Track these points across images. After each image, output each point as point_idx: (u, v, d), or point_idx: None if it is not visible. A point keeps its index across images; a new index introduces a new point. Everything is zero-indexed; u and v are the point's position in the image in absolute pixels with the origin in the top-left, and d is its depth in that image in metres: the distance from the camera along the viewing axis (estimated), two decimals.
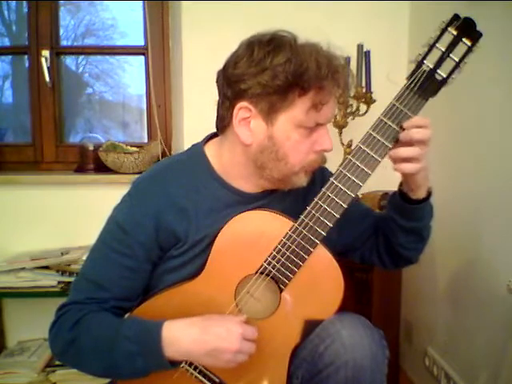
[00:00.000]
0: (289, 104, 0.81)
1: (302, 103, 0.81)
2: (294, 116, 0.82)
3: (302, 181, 0.89)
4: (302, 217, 0.85)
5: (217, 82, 0.89)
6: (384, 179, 1.14)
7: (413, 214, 0.94)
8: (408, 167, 0.83)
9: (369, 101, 1.60)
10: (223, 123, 0.89)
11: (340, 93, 0.86)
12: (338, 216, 0.84)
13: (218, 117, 0.91)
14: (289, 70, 0.79)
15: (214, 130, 0.95)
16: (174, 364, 0.85)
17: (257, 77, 0.80)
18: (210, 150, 0.94)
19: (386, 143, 0.82)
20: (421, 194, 0.91)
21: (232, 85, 0.84)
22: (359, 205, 1.08)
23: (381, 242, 1.04)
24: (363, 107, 1.62)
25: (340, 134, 1.65)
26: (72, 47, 2.10)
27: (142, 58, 1.92)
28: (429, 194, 0.93)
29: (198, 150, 0.95)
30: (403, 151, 0.82)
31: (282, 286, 0.87)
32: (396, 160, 0.84)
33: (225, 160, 0.92)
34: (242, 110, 0.84)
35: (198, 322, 0.84)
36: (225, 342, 0.81)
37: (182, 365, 0.88)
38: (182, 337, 0.83)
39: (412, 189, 0.90)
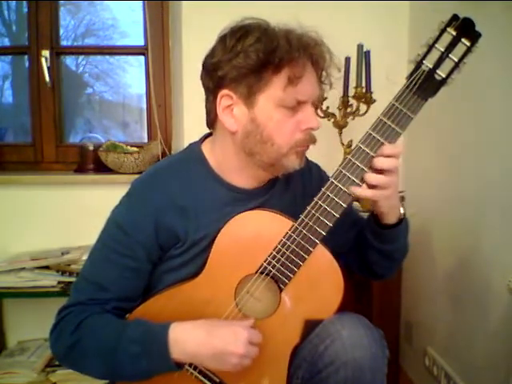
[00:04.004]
0: (265, 83, 0.83)
1: (278, 80, 0.82)
2: (273, 95, 0.83)
3: (294, 163, 0.88)
4: (301, 216, 0.85)
5: (200, 78, 0.91)
6: None
7: (384, 236, 0.94)
8: (366, 192, 0.84)
9: (369, 101, 1.60)
10: (211, 118, 0.91)
11: (320, 70, 0.87)
12: (337, 216, 0.84)
13: (206, 113, 0.93)
14: (259, 48, 0.81)
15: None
16: (180, 366, 0.85)
17: (231, 61, 0.82)
18: (206, 149, 0.95)
19: (386, 143, 0.82)
20: (390, 219, 0.91)
21: (211, 74, 0.86)
22: (352, 212, 1.08)
23: (360, 254, 1.03)
24: (363, 107, 1.62)
25: (340, 134, 1.65)
26: (72, 47, 2.10)
27: (142, 58, 1.92)
28: (400, 220, 0.93)
29: (194, 148, 0.96)
30: (368, 177, 0.83)
31: (281, 285, 0.88)
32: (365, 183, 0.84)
33: (218, 155, 0.92)
34: (224, 98, 0.85)
35: (205, 324, 0.84)
36: (231, 346, 0.81)
37: None
38: (188, 339, 0.83)
39: (379, 213, 0.91)
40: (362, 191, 0.83)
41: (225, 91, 0.85)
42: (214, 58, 0.85)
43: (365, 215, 1.11)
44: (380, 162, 0.82)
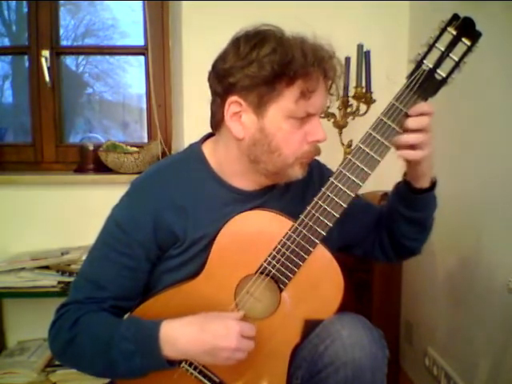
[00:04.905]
0: (277, 94, 0.82)
1: (291, 93, 0.82)
2: (284, 106, 0.82)
3: (297, 173, 0.89)
4: (301, 217, 0.85)
5: (208, 80, 0.90)
6: (384, 179, 1.14)
7: (416, 203, 0.94)
8: (411, 154, 0.84)
9: (369, 101, 1.60)
10: (216, 120, 0.90)
11: (330, 83, 0.87)
12: (337, 216, 0.84)
13: (211, 115, 0.92)
14: (274, 59, 0.80)
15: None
16: (172, 364, 0.85)
17: (244, 69, 0.81)
18: (207, 149, 0.94)
19: (386, 143, 0.82)
20: (424, 182, 0.91)
21: (221, 80, 0.85)
22: (360, 200, 1.08)
23: (384, 235, 1.04)
24: (363, 107, 1.62)
25: (340, 134, 1.65)
26: (72, 47, 2.10)
27: (142, 58, 1.92)
28: (433, 184, 0.93)
29: (195, 149, 0.95)
30: (405, 138, 0.82)
31: (281, 285, 0.87)
32: (400, 147, 0.84)
33: (220, 157, 0.92)
34: (233, 104, 0.84)
35: (196, 320, 0.84)
36: (223, 341, 0.81)
37: (182, 365, 0.88)
38: (180, 336, 0.82)
39: (416, 177, 0.91)
40: (408, 153, 0.83)
41: (234, 98, 0.84)
42: (225, 63, 0.84)
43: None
44: (416, 122, 0.81)
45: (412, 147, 0.83)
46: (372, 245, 1.07)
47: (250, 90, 0.82)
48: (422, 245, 1.04)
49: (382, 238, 1.05)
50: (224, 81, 0.84)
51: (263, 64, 0.80)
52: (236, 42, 0.84)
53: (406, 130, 0.82)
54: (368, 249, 1.07)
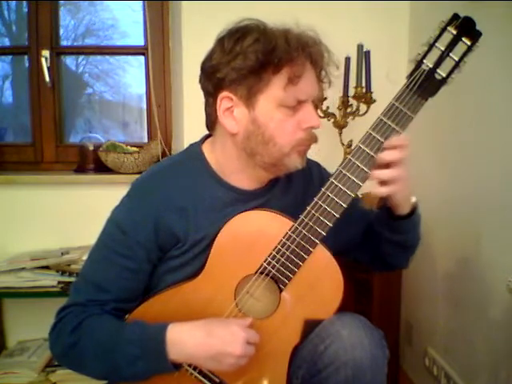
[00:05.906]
0: (265, 84, 0.82)
1: (278, 80, 0.82)
2: (273, 95, 0.83)
3: (296, 162, 0.88)
4: (301, 217, 0.85)
5: (199, 82, 0.91)
6: None
7: (397, 228, 0.94)
8: (382, 190, 0.84)
9: (369, 101, 1.60)
10: (211, 120, 0.91)
11: (318, 68, 0.87)
12: (337, 216, 0.84)
13: (206, 116, 0.93)
14: (258, 48, 0.81)
15: None
16: (177, 367, 0.85)
17: (230, 63, 0.82)
18: (206, 149, 0.95)
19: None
20: (403, 210, 0.91)
21: (210, 77, 0.86)
22: (357, 207, 1.08)
23: (372, 248, 1.03)
24: (363, 107, 1.62)
25: (340, 134, 1.65)
26: (72, 47, 2.10)
27: (142, 57, 1.92)
28: (413, 210, 0.93)
29: (195, 149, 0.96)
30: (377, 174, 0.83)
31: (281, 285, 0.87)
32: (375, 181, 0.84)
33: (219, 156, 0.92)
34: (224, 100, 0.85)
35: (203, 325, 0.84)
36: (229, 347, 0.81)
37: (183, 364, 0.88)
38: (186, 340, 0.83)
39: (393, 206, 0.91)
40: (378, 190, 0.83)
41: (225, 93, 0.85)
42: (212, 60, 0.85)
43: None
44: (384, 155, 0.81)
45: (382, 182, 0.83)
46: (362, 254, 1.06)
47: (238, 83, 0.83)
48: (407, 262, 1.04)
49: (370, 250, 1.04)
50: (212, 78, 0.85)
51: (247, 55, 0.81)
52: (221, 40, 0.86)
53: (380, 164, 0.82)
54: (358, 256, 1.07)
